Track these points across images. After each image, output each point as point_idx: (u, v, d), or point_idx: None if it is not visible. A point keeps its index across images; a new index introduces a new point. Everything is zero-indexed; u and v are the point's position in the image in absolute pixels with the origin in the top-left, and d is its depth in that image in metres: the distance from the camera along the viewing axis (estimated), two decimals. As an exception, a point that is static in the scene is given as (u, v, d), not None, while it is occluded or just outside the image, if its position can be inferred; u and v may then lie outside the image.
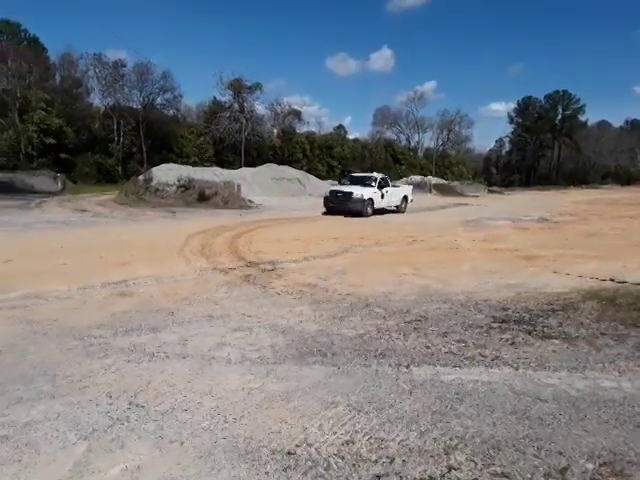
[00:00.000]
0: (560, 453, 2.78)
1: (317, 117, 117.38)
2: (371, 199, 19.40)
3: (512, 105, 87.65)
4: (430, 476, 2.56)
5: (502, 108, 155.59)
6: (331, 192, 20.24)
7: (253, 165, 37.79)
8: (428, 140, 75.46)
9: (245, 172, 31.65)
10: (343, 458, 2.73)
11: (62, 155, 39.72)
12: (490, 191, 48.11)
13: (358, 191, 19.17)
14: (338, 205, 19.33)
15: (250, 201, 23.74)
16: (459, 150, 76.77)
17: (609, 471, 2.62)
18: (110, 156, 44.00)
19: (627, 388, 3.65)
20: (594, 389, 3.64)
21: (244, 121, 50.51)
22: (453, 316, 5.51)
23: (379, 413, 3.24)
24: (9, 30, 45.34)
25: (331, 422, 3.12)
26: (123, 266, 8.00)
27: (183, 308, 5.67)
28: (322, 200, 20.49)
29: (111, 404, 3.31)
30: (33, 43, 47.05)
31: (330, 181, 34.71)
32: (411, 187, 25.13)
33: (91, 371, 3.85)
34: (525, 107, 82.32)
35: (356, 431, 3.02)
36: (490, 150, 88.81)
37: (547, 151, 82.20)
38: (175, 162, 34.64)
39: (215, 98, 54.09)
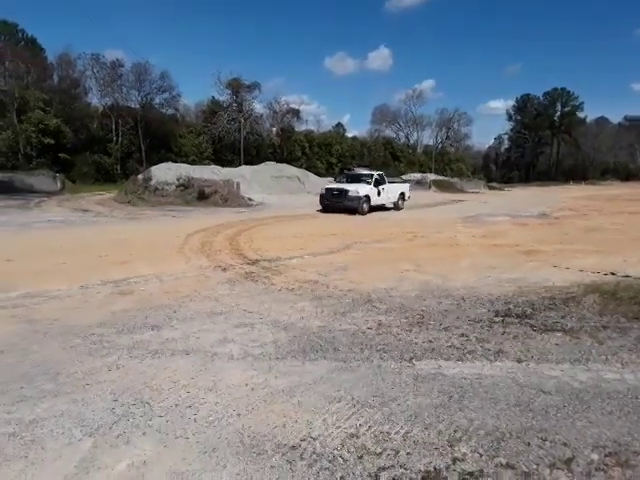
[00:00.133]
0: (565, 444, 2.79)
1: (316, 115, 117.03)
2: (367, 196, 19.17)
3: (511, 102, 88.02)
4: (435, 468, 2.57)
5: (501, 105, 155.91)
6: (327, 190, 20.00)
7: (252, 164, 37.78)
8: (427, 137, 75.72)
9: (244, 170, 31.61)
10: (348, 451, 2.73)
11: (61, 155, 39.71)
12: (490, 187, 48.15)
13: (354, 188, 18.99)
14: (334, 203, 19.15)
15: (250, 199, 23.72)
16: (458, 147, 76.87)
17: (614, 461, 2.62)
18: (109, 156, 43.99)
19: (630, 380, 3.66)
20: (597, 381, 3.65)
21: (243, 120, 50.50)
22: (455, 311, 5.51)
23: (382, 407, 3.24)
24: (6, 30, 45.23)
25: (335, 416, 3.12)
26: (123, 265, 8.00)
27: (184, 305, 5.67)
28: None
29: (115, 401, 3.31)
30: (31, 43, 46.93)
31: (329, 179, 34.63)
32: (408, 184, 24.85)
33: (94, 369, 3.85)
34: (524, 104, 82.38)
35: (360, 425, 3.02)
36: (489, 147, 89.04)
37: (546, 148, 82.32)
38: (174, 161, 34.63)
39: (214, 97, 54.24)
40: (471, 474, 2.51)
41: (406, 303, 5.82)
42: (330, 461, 2.64)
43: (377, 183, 20.12)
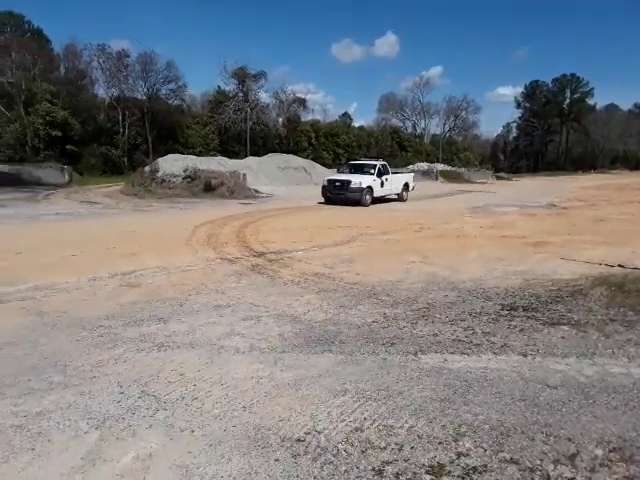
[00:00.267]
0: (569, 439, 2.78)
1: (322, 105, 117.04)
2: (370, 187, 18.78)
3: (519, 89, 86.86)
4: (439, 462, 2.58)
5: (509, 92, 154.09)
6: (329, 181, 19.55)
7: (258, 154, 37.74)
8: (434, 126, 75.10)
9: (251, 162, 31.59)
10: (352, 445, 2.74)
11: (68, 147, 39.80)
12: (497, 177, 47.76)
13: (356, 179, 18.62)
14: (336, 194, 18.72)
15: (256, 191, 23.72)
16: (466, 136, 76.27)
17: (618, 457, 2.62)
18: (116, 147, 44.06)
19: (637, 374, 3.64)
20: (603, 375, 3.63)
21: (249, 110, 50.34)
22: (461, 304, 5.50)
23: (387, 401, 3.25)
24: (13, 22, 45.20)
25: (340, 410, 3.14)
26: (131, 257, 8.04)
27: (191, 298, 5.71)
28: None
29: (122, 393, 3.35)
30: (37, 35, 46.89)
31: (336, 169, 34.56)
32: (412, 174, 24.36)
33: (101, 361, 3.89)
34: (532, 91, 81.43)
35: (365, 418, 3.03)
36: (497, 136, 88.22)
37: (555, 136, 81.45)
38: (181, 152, 34.63)
39: (219, 87, 53.99)
40: (475, 469, 2.52)
41: (412, 296, 5.82)
42: (334, 455, 2.65)
43: (380, 174, 19.62)
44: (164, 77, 49.17)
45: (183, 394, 3.35)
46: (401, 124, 71.92)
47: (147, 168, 26.51)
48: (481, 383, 3.50)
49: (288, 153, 37.97)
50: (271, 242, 9.67)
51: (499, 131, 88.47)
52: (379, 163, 20.29)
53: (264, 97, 54.07)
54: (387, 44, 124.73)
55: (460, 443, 2.75)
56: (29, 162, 33.98)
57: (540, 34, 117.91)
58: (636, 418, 3.00)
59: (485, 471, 2.50)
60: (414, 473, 2.49)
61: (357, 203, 18.19)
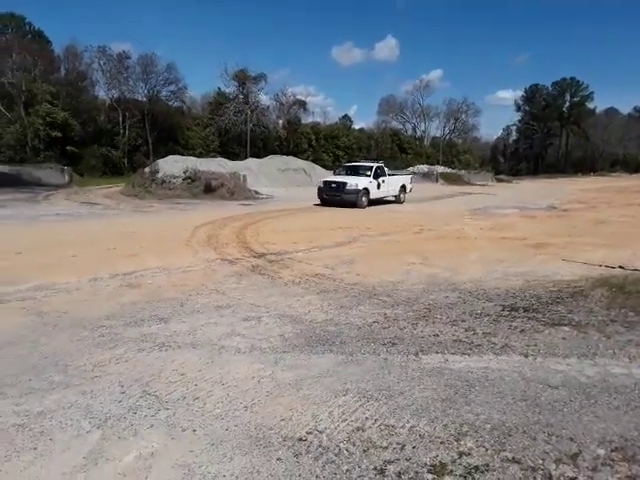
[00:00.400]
0: (571, 439, 2.78)
1: (322, 107, 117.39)
2: (366, 189, 18.53)
3: (519, 93, 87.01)
4: (441, 462, 2.58)
5: (509, 96, 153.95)
6: (325, 183, 19.26)
7: (259, 156, 37.74)
8: (434, 129, 75.23)
9: (251, 163, 31.61)
10: (354, 444, 2.74)
11: (68, 148, 39.79)
12: (497, 180, 47.82)
13: (352, 181, 18.38)
14: (332, 196, 18.45)
15: (256, 192, 23.72)
16: (466, 139, 76.38)
17: (620, 457, 2.62)
18: (116, 148, 44.06)
19: (637, 374, 3.64)
20: (604, 375, 3.63)
21: (249, 112, 50.37)
22: (461, 305, 5.50)
23: (389, 400, 3.25)
24: (13, 23, 45.25)
25: (341, 409, 3.14)
26: (131, 258, 8.04)
27: (192, 298, 5.70)
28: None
29: (123, 393, 3.34)
30: (37, 36, 46.90)
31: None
32: (410, 176, 23.99)
33: (102, 361, 3.88)
34: (532, 95, 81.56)
35: (366, 418, 3.03)
36: (497, 138, 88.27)
37: (555, 139, 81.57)
38: (181, 154, 34.63)
39: (220, 89, 54.02)
40: (477, 468, 2.52)
41: (413, 297, 5.82)
42: (336, 454, 2.65)
43: (377, 175, 19.39)
44: (164, 79, 49.22)
45: (184, 394, 3.35)
46: (401, 127, 72.10)
47: (147, 169, 26.52)
48: (482, 383, 3.50)
49: (288, 155, 37.99)
50: (271, 243, 9.67)
51: (499, 134, 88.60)
52: (375, 165, 20.04)
53: (264, 99, 54.17)
54: (387, 48, 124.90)
55: (462, 442, 2.75)
56: (29, 163, 33.94)
57: (540, 38, 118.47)
58: (638, 418, 3.01)
59: (487, 470, 2.50)
60: (416, 472, 2.49)
61: (353, 205, 17.92)
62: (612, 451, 2.67)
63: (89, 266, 7.28)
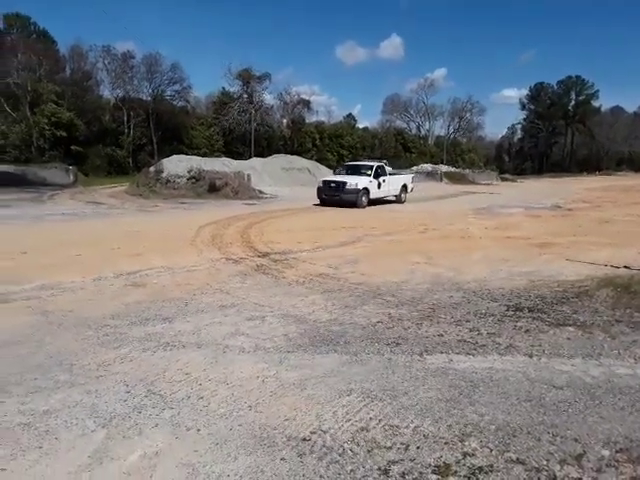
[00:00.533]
0: (576, 440, 2.77)
1: (326, 106, 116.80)
2: (366, 189, 18.26)
3: (524, 91, 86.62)
4: (445, 462, 2.57)
5: (514, 94, 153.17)
6: (324, 182, 18.98)
7: (263, 155, 37.79)
8: (439, 128, 75.11)
9: (255, 162, 31.64)
10: (358, 444, 2.74)
11: (73, 147, 39.99)
12: (502, 179, 47.67)
13: (352, 181, 18.12)
14: (331, 196, 18.19)
15: (260, 191, 23.75)
16: (470, 138, 76.17)
17: (625, 457, 2.61)
18: (121, 148, 44.24)
19: (643, 375, 3.62)
20: (609, 376, 3.62)
21: (253, 111, 50.44)
22: (466, 304, 5.49)
23: (393, 401, 3.25)
24: (19, 23, 45.45)
25: (345, 409, 3.14)
26: (136, 257, 8.07)
27: (196, 298, 5.72)
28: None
29: (128, 392, 3.36)
30: (42, 36, 47.12)
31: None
32: (412, 175, 23.74)
33: (107, 360, 3.90)
34: (537, 93, 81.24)
35: (370, 418, 3.03)
36: (502, 137, 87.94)
37: (560, 138, 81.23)
38: (185, 153, 34.74)
39: (224, 89, 54.13)
40: (481, 469, 2.51)
41: (417, 296, 5.81)
42: (340, 454, 2.65)
43: (377, 175, 19.11)
44: (169, 78, 49.47)
45: (189, 393, 3.36)
46: (405, 125, 72.00)
47: (152, 169, 26.59)
48: (487, 383, 3.50)
49: (292, 154, 38.02)
50: (275, 242, 9.68)
51: (504, 133, 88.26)
52: (376, 164, 19.80)
53: (268, 98, 54.25)
54: (391, 46, 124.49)
55: (466, 443, 2.75)
56: (34, 163, 34.12)
57: (545, 37, 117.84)
58: (643, 419, 2.99)
59: (491, 471, 2.50)
60: (420, 473, 2.49)
61: (353, 205, 17.67)
62: (617, 452, 2.66)
63: (94, 265, 7.31)
